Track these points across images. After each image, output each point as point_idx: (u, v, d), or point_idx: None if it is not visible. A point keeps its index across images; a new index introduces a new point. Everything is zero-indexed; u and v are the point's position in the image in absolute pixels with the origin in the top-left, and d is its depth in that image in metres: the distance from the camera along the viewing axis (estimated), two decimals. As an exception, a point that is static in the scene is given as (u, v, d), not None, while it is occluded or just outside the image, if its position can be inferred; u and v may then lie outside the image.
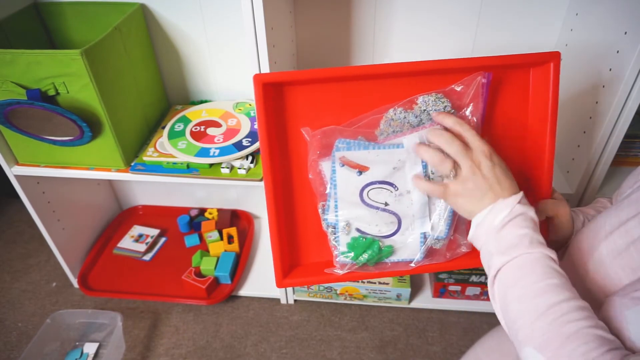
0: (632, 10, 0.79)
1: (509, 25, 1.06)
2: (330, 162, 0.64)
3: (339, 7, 1.08)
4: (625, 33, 0.80)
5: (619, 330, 0.49)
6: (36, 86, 0.91)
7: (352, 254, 0.66)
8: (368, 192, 0.64)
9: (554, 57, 0.62)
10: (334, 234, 0.66)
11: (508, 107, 0.68)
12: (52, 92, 0.91)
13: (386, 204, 0.64)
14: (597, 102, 0.88)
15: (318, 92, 0.63)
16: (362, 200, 0.65)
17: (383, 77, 0.63)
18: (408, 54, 1.13)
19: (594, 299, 0.57)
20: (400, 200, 0.65)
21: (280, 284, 0.69)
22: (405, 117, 0.62)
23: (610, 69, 0.84)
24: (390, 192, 0.64)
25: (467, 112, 0.62)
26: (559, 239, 0.69)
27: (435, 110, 0.62)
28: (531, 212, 0.56)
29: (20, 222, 1.60)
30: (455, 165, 0.57)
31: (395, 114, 0.62)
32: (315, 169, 0.65)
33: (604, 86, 0.86)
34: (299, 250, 0.70)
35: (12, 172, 1.07)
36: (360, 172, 0.64)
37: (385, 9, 1.07)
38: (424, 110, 0.62)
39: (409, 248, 0.67)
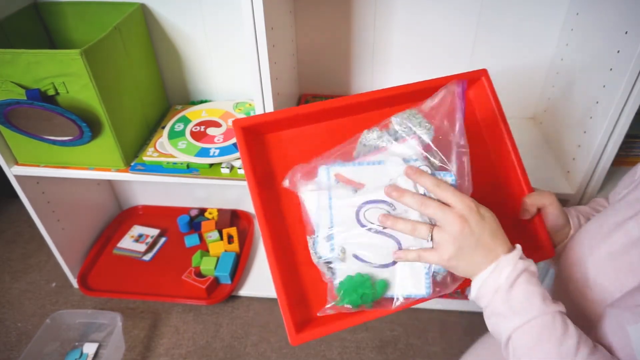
0: (632, 10, 0.79)
1: (509, 25, 1.06)
2: (316, 187, 0.59)
3: (338, 7, 1.08)
4: (626, 33, 0.80)
5: (622, 347, 0.48)
6: (36, 86, 0.91)
7: (341, 293, 0.58)
8: (364, 212, 0.58)
9: (483, 73, 0.69)
10: (329, 265, 0.59)
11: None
12: (51, 92, 0.91)
13: (384, 227, 0.58)
14: (597, 102, 0.88)
15: (297, 136, 0.65)
16: (359, 222, 0.58)
17: (341, 114, 0.66)
18: (408, 51, 1.13)
19: (594, 301, 0.57)
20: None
21: (294, 340, 0.60)
22: (380, 137, 0.60)
23: (610, 69, 0.84)
24: (387, 212, 0.58)
25: (446, 123, 0.58)
26: (555, 228, 0.69)
27: (410, 125, 0.59)
28: (533, 267, 0.53)
29: (20, 222, 1.59)
30: (433, 228, 0.53)
31: (370, 134, 0.61)
32: (301, 202, 0.61)
33: (604, 86, 0.86)
34: (308, 300, 0.63)
35: (12, 172, 1.07)
36: (356, 190, 0.58)
37: (385, 9, 1.07)
38: (400, 126, 0.60)
39: (410, 280, 0.58)
